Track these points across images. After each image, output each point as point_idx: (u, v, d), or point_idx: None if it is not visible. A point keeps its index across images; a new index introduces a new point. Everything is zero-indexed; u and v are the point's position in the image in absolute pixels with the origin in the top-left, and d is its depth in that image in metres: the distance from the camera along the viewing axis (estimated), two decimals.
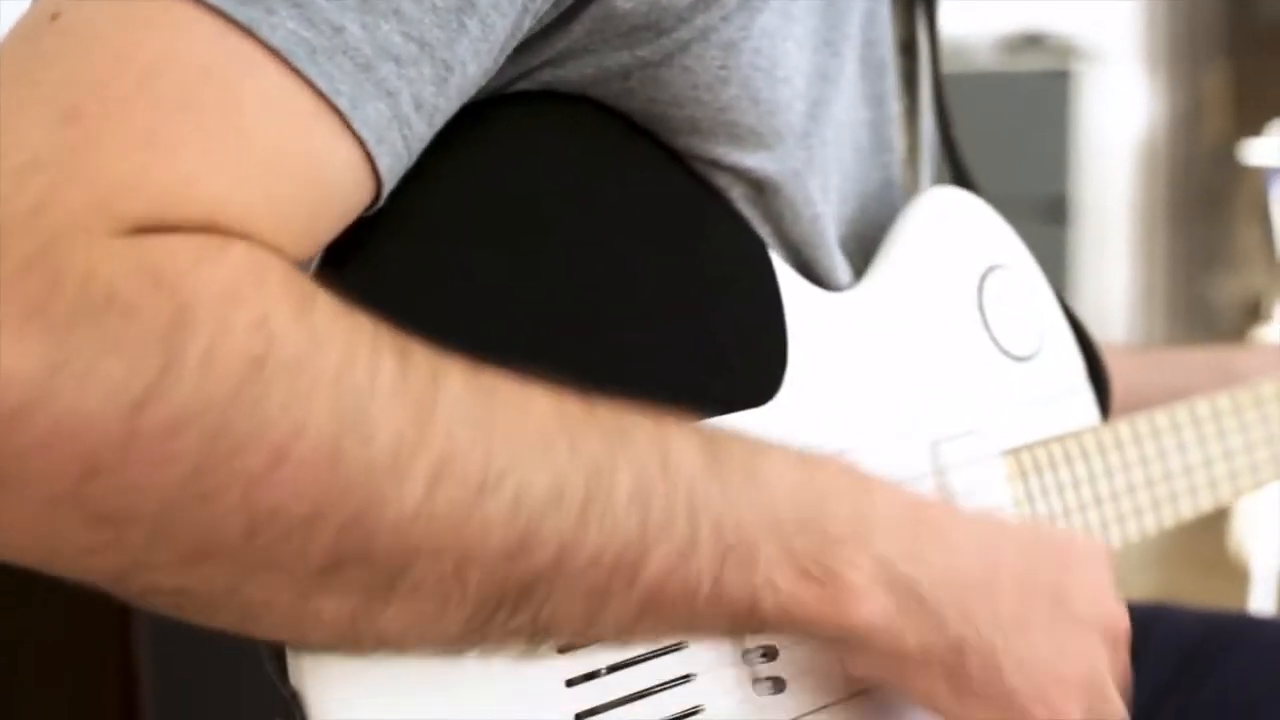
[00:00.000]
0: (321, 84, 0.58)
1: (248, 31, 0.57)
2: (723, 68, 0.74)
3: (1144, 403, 1.04)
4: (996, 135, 3.58)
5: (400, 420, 0.55)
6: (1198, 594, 3.09)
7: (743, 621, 0.65)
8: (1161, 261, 4.89)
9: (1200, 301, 4.82)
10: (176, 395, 0.51)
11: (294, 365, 0.53)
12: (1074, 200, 4.54)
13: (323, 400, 0.54)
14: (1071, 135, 4.50)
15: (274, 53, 0.57)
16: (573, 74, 0.73)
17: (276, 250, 0.57)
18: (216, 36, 0.57)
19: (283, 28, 0.58)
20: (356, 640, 0.59)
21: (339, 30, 0.59)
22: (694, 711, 0.70)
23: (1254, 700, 1.02)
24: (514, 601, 0.59)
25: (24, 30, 0.58)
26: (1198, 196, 4.85)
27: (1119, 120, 4.74)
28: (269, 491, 0.53)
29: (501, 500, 0.57)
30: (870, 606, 0.66)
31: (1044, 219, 4.35)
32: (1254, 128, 4.19)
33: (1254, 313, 4.46)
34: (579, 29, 0.71)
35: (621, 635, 0.65)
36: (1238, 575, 3.33)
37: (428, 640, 0.60)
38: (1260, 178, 4.12)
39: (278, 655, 0.63)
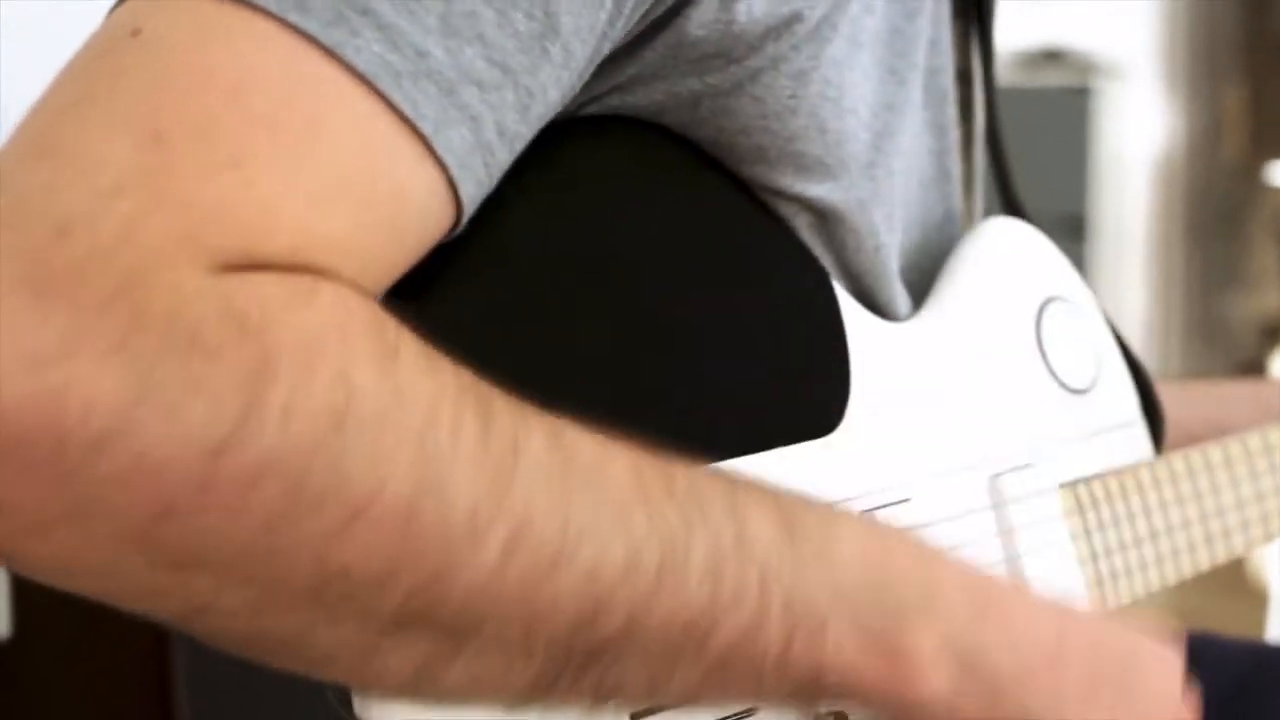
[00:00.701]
0: (406, 108, 0.57)
1: (332, 54, 0.56)
2: (792, 97, 0.73)
3: (1187, 436, 1.03)
4: (1015, 151, 3.56)
5: (480, 486, 0.54)
6: (1215, 617, 3.08)
7: (806, 690, 0.64)
8: (1178, 280, 4.88)
9: (1216, 321, 4.81)
10: (257, 444, 0.50)
11: (376, 422, 0.52)
12: (1092, 217, 4.54)
13: (403, 460, 0.53)
14: (1091, 152, 4.50)
15: (359, 76, 0.56)
16: (642, 100, 0.72)
17: (362, 287, 0.56)
18: (301, 58, 0.56)
19: (367, 50, 0.57)
20: (420, 693, 0.59)
21: (423, 54, 0.58)
22: None
23: None
24: (580, 664, 0.59)
25: (102, 44, 0.57)
26: (1215, 215, 4.84)
27: (1138, 137, 4.73)
28: (342, 549, 0.52)
29: (575, 571, 0.56)
30: (932, 683, 0.65)
31: (1062, 235, 4.32)
32: (1273, 147, 4.19)
33: (1271, 333, 4.45)
34: (651, 55, 0.70)
35: (687, 699, 0.64)
36: (1256, 598, 3.32)
37: (492, 696, 0.59)
38: (1279, 197, 4.11)
39: (343, 689, 0.63)
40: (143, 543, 0.50)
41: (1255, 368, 4.35)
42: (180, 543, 0.51)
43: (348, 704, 0.63)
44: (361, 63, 0.56)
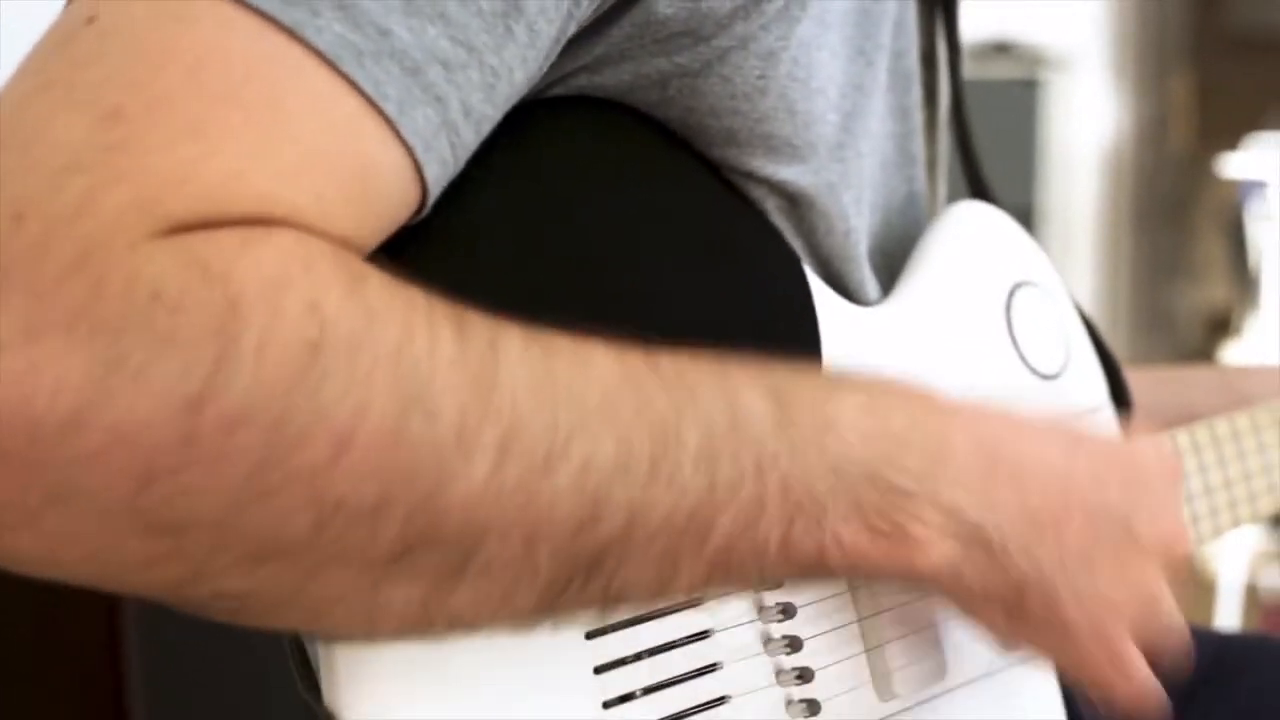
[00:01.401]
0: (368, 88, 0.56)
1: (292, 34, 0.55)
2: (761, 78, 0.72)
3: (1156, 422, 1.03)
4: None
5: (464, 393, 0.54)
6: None
7: (812, 570, 0.64)
8: (1126, 270, 4.91)
9: (1163, 312, 4.84)
10: (234, 389, 0.49)
11: (351, 346, 0.52)
12: (1040, 208, 4.55)
13: (383, 379, 0.52)
14: (1039, 143, 4.51)
15: (320, 55, 0.55)
16: (610, 80, 0.71)
17: (322, 235, 0.55)
18: (260, 38, 0.55)
19: (329, 30, 0.56)
20: (429, 625, 0.57)
21: (385, 33, 0.57)
22: (713, 666, 0.70)
23: None
24: (586, 572, 0.58)
25: (58, 34, 0.56)
26: (1163, 206, 4.87)
27: (1086, 129, 4.75)
28: (335, 482, 0.51)
29: (569, 469, 0.56)
30: (935, 557, 0.65)
31: None
32: (1219, 137, 4.22)
33: (1217, 325, 4.48)
34: (619, 34, 0.69)
35: (693, 592, 0.64)
36: (1204, 590, 3.34)
37: (501, 618, 0.59)
38: (1226, 188, 4.14)
39: (307, 676, 0.63)
40: (131, 514, 0.50)
41: (1202, 359, 4.37)
42: (168, 506, 0.50)
43: (317, 692, 0.61)
44: (322, 42, 0.55)
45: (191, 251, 0.50)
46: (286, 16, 0.55)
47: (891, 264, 0.89)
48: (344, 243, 0.57)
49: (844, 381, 0.68)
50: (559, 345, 0.58)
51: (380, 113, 0.57)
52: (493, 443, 0.54)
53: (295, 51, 0.55)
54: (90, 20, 0.55)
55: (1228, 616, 3.21)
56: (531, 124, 0.70)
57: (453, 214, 0.65)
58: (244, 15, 0.55)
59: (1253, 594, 3.36)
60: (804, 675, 0.72)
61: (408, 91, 0.57)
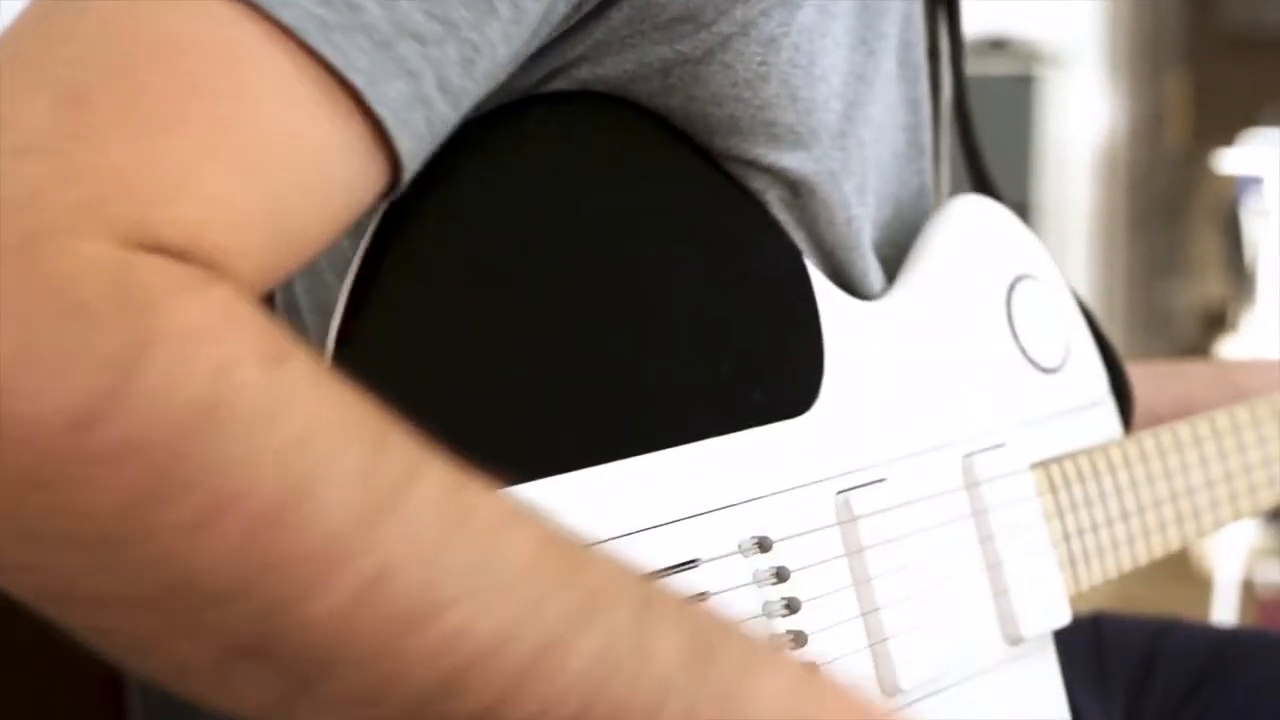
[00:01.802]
0: (336, 60, 0.56)
1: (259, 10, 0.55)
2: (762, 64, 0.72)
3: (1154, 416, 1.03)
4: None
5: (346, 516, 0.51)
6: (1159, 604, 3.09)
7: None
8: (1121, 267, 4.91)
9: (1159, 308, 4.84)
10: (121, 422, 0.48)
11: (249, 421, 0.50)
12: (1035, 205, 4.55)
13: (271, 466, 0.50)
14: (1035, 139, 4.51)
15: (287, 31, 0.55)
16: (612, 70, 0.71)
17: (257, 289, 0.55)
18: (228, 18, 0.54)
19: (296, 5, 0.55)
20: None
21: (355, 8, 0.56)
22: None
23: (1269, 718, 1.01)
24: None
25: (37, 9, 0.56)
26: (1158, 203, 4.87)
27: (1081, 125, 4.75)
28: (195, 552, 0.49)
29: (438, 632, 0.52)
30: None
31: None
32: (1214, 135, 4.21)
33: (1213, 322, 4.48)
34: (618, 17, 0.69)
35: None
36: (1200, 585, 3.34)
37: None
38: (1221, 185, 4.14)
39: None
40: (10, 516, 0.49)
41: (1198, 355, 4.37)
42: (43, 519, 0.49)
43: None
44: (289, 17, 0.55)
45: (130, 273, 0.50)
46: None
47: (901, 256, 0.88)
48: (301, 234, 0.57)
49: (777, 655, 0.63)
50: (484, 504, 0.55)
51: (348, 86, 0.56)
52: (363, 575, 0.51)
53: (262, 29, 0.55)
54: None
55: (1224, 611, 3.21)
56: (532, 118, 0.70)
57: (451, 206, 0.65)
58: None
59: (1249, 589, 3.36)
60: (798, 639, 0.72)
61: (378, 64, 0.57)
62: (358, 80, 0.56)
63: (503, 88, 0.66)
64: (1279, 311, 3.33)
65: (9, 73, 0.53)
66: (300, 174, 0.56)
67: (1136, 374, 1.02)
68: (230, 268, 0.53)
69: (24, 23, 0.55)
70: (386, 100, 0.57)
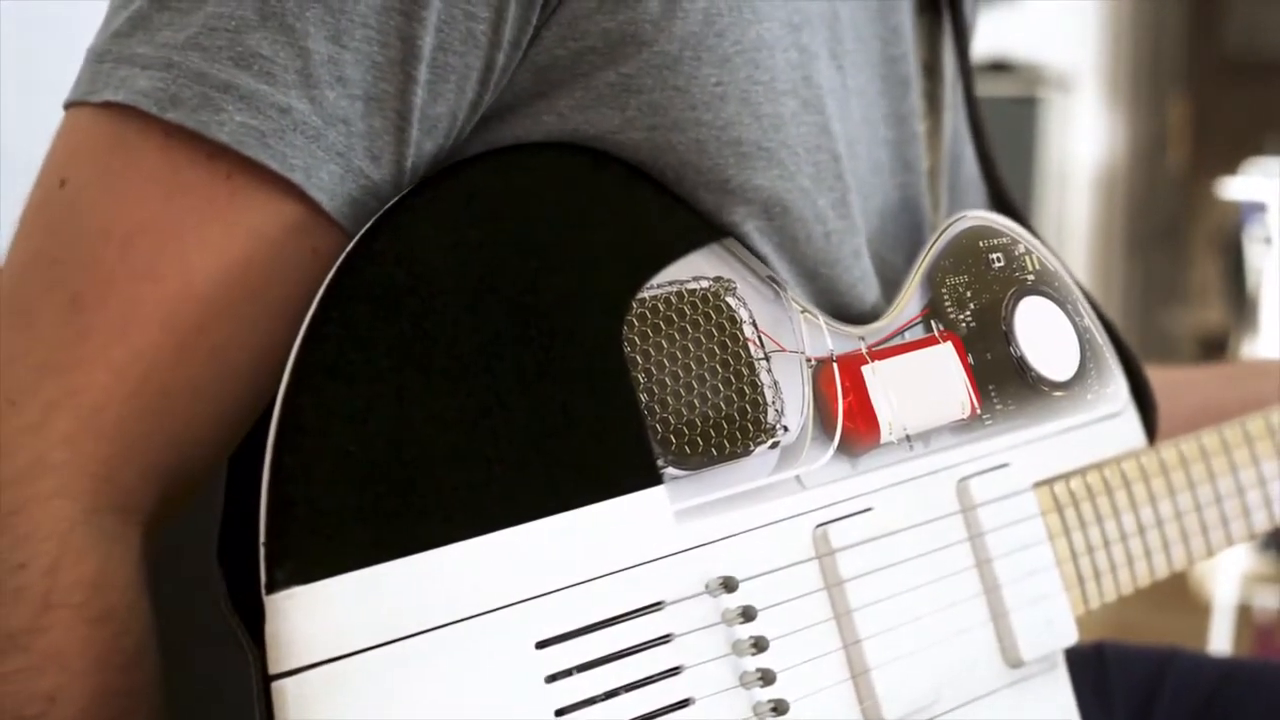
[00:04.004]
0: (274, 165, 0.64)
1: (200, 136, 0.63)
2: (718, 84, 0.72)
3: (1171, 425, 1.00)
4: None
5: None
6: (1157, 630, 3.07)
7: None
8: (1120, 291, 4.90)
9: (1157, 333, 4.82)
10: None
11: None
12: (1036, 226, 4.54)
13: None
14: (1036, 161, 4.50)
15: (224, 147, 0.63)
16: (565, 102, 0.71)
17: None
18: (180, 159, 0.64)
19: (230, 123, 0.63)
20: None
21: (285, 110, 0.64)
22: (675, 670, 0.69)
23: None
24: None
25: (40, 197, 0.66)
26: (1158, 227, 4.86)
27: (1083, 148, 4.74)
28: None
29: None
30: None
31: None
32: (1215, 159, 4.20)
33: (1211, 348, 4.47)
34: (550, 36, 0.70)
35: None
36: (1197, 611, 3.32)
37: None
38: (1222, 211, 4.13)
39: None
40: None
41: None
42: None
43: (234, 611, 0.65)
44: (225, 135, 0.63)
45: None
46: (194, 120, 0.63)
47: (885, 269, 0.87)
48: (254, 346, 0.67)
49: None
50: None
51: (288, 182, 0.64)
52: None
53: (204, 154, 0.64)
54: (63, 184, 0.65)
55: (1221, 637, 3.19)
56: (507, 168, 0.70)
57: (402, 255, 0.65)
58: (154, 133, 0.64)
59: (1245, 614, 3.34)
60: (766, 678, 0.70)
61: (311, 156, 0.64)
62: (298, 179, 0.65)
63: (479, 137, 0.71)
64: None
65: (31, 273, 0.65)
66: (254, 301, 0.66)
67: (1159, 381, 0.99)
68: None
69: (30, 217, 0.66)
70: (323, 186, 0.65)
